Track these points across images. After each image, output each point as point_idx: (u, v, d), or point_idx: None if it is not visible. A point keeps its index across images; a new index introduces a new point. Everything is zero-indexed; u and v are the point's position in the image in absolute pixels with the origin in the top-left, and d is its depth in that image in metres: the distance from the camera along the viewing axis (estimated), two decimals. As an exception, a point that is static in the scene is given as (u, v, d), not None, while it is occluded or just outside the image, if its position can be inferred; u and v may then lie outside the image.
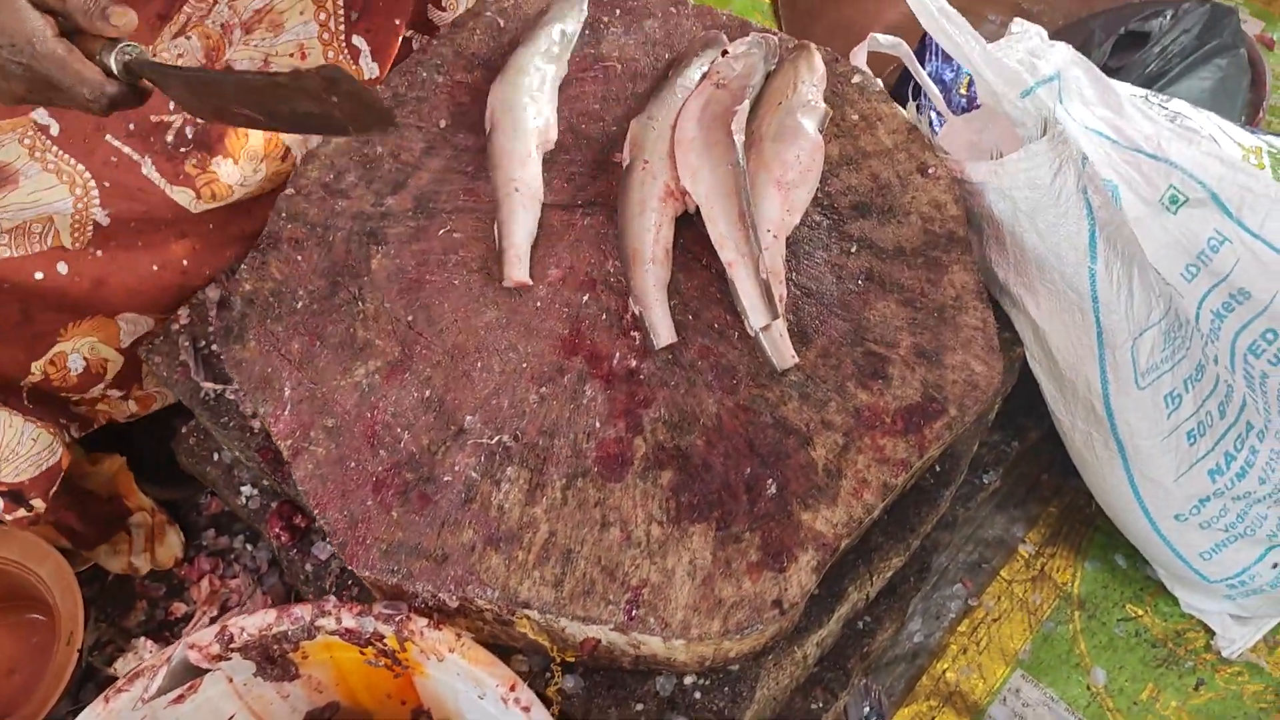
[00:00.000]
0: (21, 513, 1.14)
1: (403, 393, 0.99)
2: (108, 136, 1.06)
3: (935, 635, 1.32)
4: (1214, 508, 1.21)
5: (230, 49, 1.17)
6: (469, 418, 0.97)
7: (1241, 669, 1.29)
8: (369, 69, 1.22)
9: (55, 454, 1.15)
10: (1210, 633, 1.31)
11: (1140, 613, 1.33)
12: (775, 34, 1.16)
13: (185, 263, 1.18)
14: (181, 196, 1.11)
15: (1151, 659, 1.30)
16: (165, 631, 1.36)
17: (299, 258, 1.06)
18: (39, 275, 1.06)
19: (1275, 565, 1.25)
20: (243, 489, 1.26)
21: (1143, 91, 1.40)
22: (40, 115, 1.03)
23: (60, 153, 1.04)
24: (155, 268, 1.16)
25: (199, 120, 1.10)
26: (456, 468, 0.95)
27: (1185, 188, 1.24)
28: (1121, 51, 1.61)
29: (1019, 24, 1.31)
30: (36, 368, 1.11)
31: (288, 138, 1.19)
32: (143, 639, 1.32)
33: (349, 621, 0.94)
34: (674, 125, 1.05)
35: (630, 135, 1.06)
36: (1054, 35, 1.67)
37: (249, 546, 1.42)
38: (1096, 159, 1.24)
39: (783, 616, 0.90)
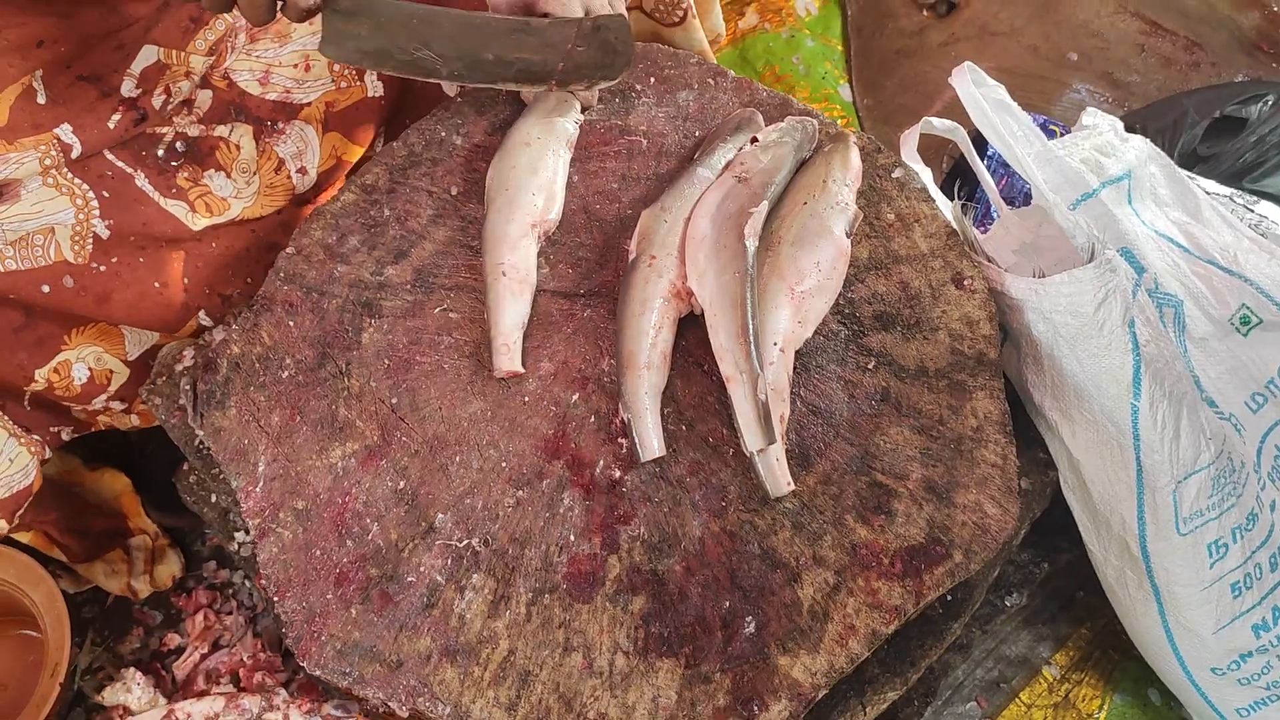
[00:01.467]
0: None
1: (377, 481, 0.95)
2: (105, 152, 1.06)
3: (942, 758, 1.24)
4: (1256, 664, 1.10)
5: (231, 56, 1.14)
6: (441, 515, 0.93)
7: (1274, 833, 1.18)
8: (373, 87, 1.20)
9: (28, 478, 1.14)
10: (1244, 789, 1.21)
11: (1169, 758, 1.23)
12: (816, 118, 1.08)
13: (186, 281, 1.16)
14: (177, 209, 1.09)
15: (1177, 811, 1.20)
16: (156, 663, 1.35)
17: (291, 323, 1.03)
18: (45, 289, 1.06)
19: (1320, 730, 1.14)
20: (237, 534, 1.23)
21: (1228, 191, 1.30)
22: (65, 133, 1.02)
23: (65, 173, 1.04)
24: (157, 285, 1.14)
25: (189, 133, 1.10)
26: (422, 568, 0.91)
27: (1259, 308, 1.14)
28: (1215, 137, 1.49)
29: (1091, 115, 1.22)
30: (40, 375, 1.11)
31: (281, 149, 1.16)
32: (132, 670, 1.31)
33: (296, 719, 0.90)
34: (687, 219, 0.99)
35: (640, 227, 1.00)
36: (1144, 111, 1.57)
37: (247, 583, 1.40)
38: (1163, 270, 1.15)
39: (745, 770, 0.84)
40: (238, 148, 1.11)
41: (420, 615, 0.89)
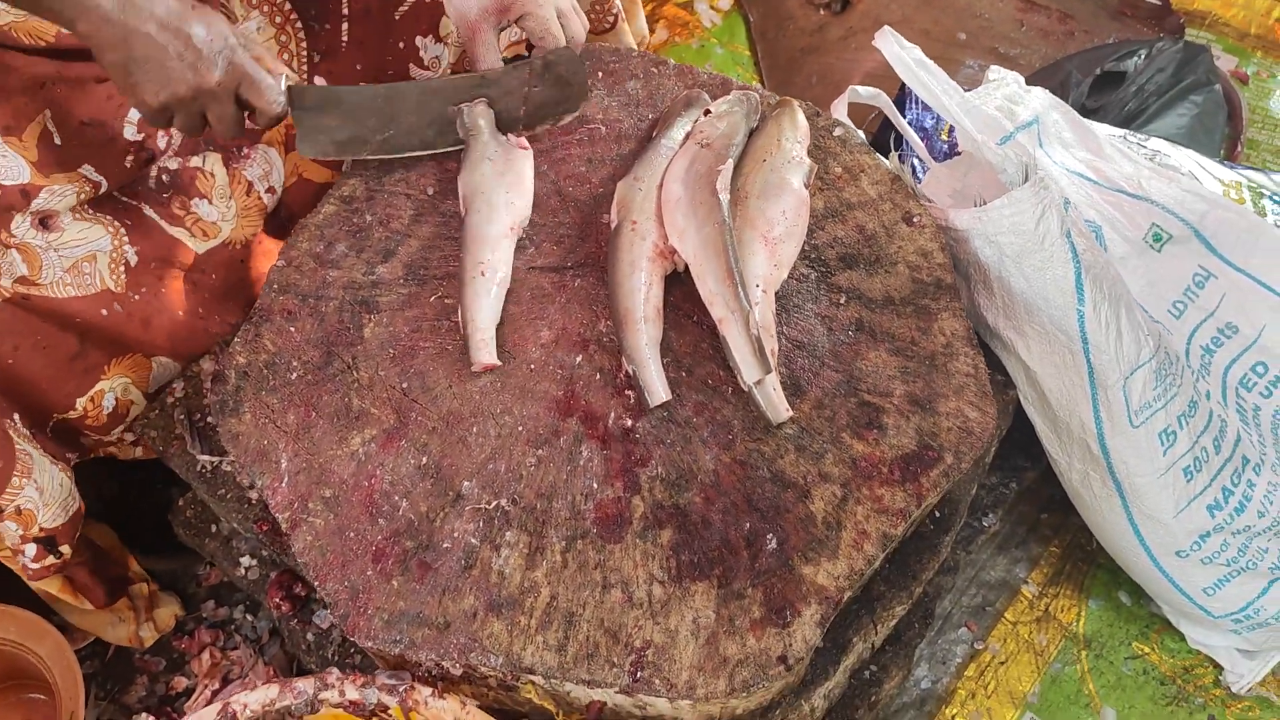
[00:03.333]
0: (50, 560, 1.15)
1: (399, 460, 0.99)
2: (114, 191, 1.11)
3: (943, 681, 1.31)
4: (1215, 542, 1.21)
5: None
6: (466, 483, 0.97)
7: (1252, 704, 1.28)
8: None
9: (76, 499, 1.17)
10: (1219, 668, 1.30)
11: (1147, 650, 1.33)
12: (757, 91, 1.18)
13: (200, 310, 1.21)
14: (181, 235, 1.15)
15: (1161, 697, 1.29)
16: (167, 706, 1.35)
17: (292, 329, 1.07)
18: (104, 312, 1.11)
19: None
20: (242, 560, 1.26)
21: (1121, 131, 1.43)
22: (90, 172, 1.08)
23: (89, 209, 1.10)
24: (181, 313, 1.20)
25: (170, 167, 1.15)
26: (455, 534, 0.95)
27: (1168, 225, 1.26)
28: (1098, 92, 1.63)
29: (996, 71, 1.33)
30: (80, 404, 1.14)
31: (248, 173, 1.21)
32: (144, 715, 1.31)
33: (352, 694, 0.93)
34: (660, 185, 1.06)
35: (617, 197, 1.07)
36: (1031, 78, 1.70)
37: (249, 616, 1.41)
38: (1079, 201, 1.26)
39: (789, 672, 0.90)
40: (212, 175, 1.17)
41: (460, 577, 0.93)
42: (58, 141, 1.06)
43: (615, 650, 0.90)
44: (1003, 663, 1.33)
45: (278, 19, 1.18)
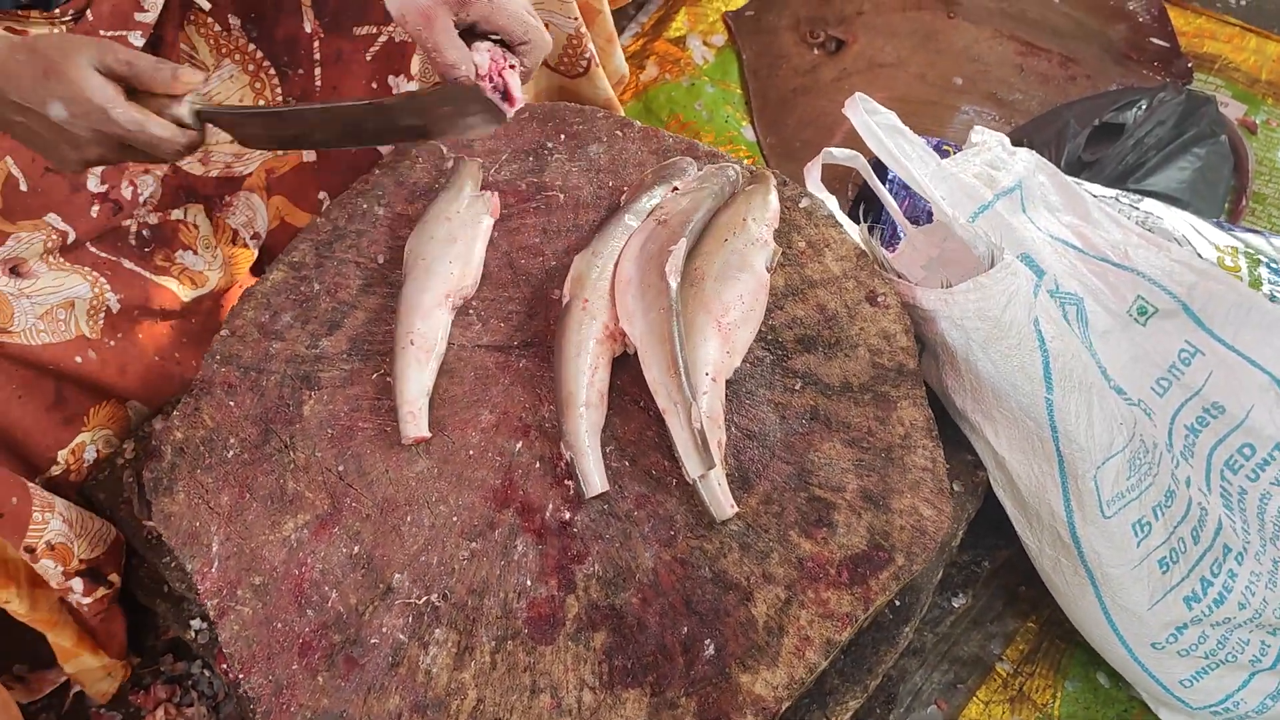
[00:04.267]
0: (101, 591, 1.14)
1: (331, 548, 0.96)
2: (88, 245, 1.09)
3: (911, 762, 1.28)
4: (1192, 635, 1.16)
5: None
6: (397, 575, 0.94)
7: (1231, 797, 1.23)
8: (308, 153, 1.24)
9: (112, 530, 1.15)
10: (1198, 758, 1.26)
11: (1124, 736, 1.28)
12: (737, 164, 1.13)
13: (177, 355, 1.20)
14: (169, 284, 1.14)
15: (1137, 787, 1.24)
16: (120, 764, 1.34)
17: (231, 403, 1.04)
18: (78, 359, 1.08)
19: (1261, 691, 1.20)
20: (192, 623, 1.24)
21: (1113, 192, 1.38)
22: (57, 221, 1.05)
23: (60, 259, 1.07)
24: (156, 358, 1.18)
25: (150, 221, 1.14)
26: (384, 629, 0.92)
27: (1154, 298, 1.21)
28: (1096, 143, 1.58)
29: (979, 133, 1.29)
30: (61, 457, 1.13)
31: (232, 220, 1.19)
32: (96, 773, 1.30)
33: (273, 793, 0.91)
34: (616, 263, 1.03)
35: (573, 272, 1.04)
36: (1027, 125, 1.66)
37: (207, 672, 1.39)
38: (1061, 270, 1.21)
39: (719, 789, 0.86)
40: (196, 226, 1.16)
41: (387, 675, 0.91)
42: (23, 188, 1.04)
43: (541, 759, 0.87)
44: (973, 745, 1.28)
45: (250, 66, 1.16)
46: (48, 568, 1.08)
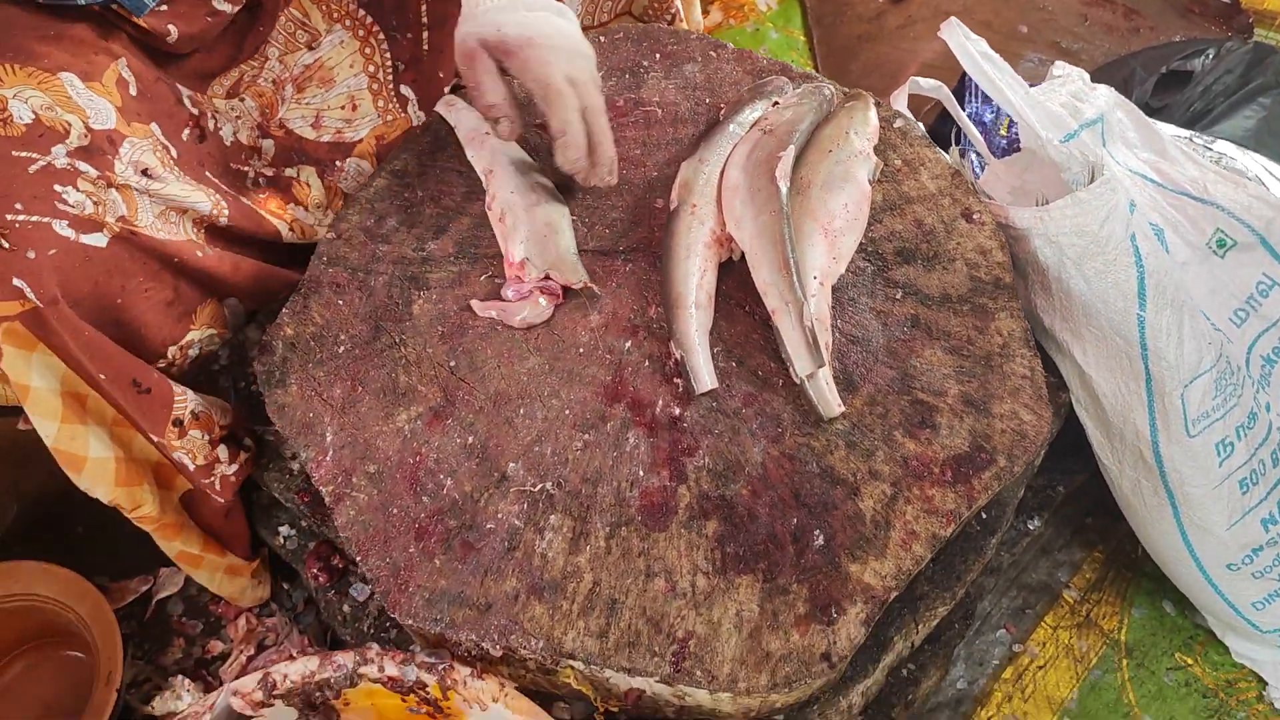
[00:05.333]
0: (243, 455, 1.16)
1: (445, 439, 0.98)
2: (206, 172, 1.10)
3: (979, 683, 1.30)
4: (1268, 556, 1.18)
5: (283, 107, 1.19)
6: (512, 465, 0.96)
7: (1295, 721, 1.26)
8: (416, 117, 1.24)
9: (226, 403, 1.17)
10: (1263, 683, 1.28)
11: (1190, 661, 1.30)
12: (831, 86, 1.15)
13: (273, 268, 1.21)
14: (279, 225, 1.15)
15: (1203, 709, 1.27)
16: (202, 670, 1.36)
17: (340, 302, 1.06)
18: (199, 253, 1.09)
19: (1329, 616, 1.22)
20: (280, 529, 1.26)
21: (1186, 133, 1.39)
22: (158, 132, 1.05)
23: (182, 173, 1.07)
24: (262, 260, 1.18)
25: (266, 173, 1.16)
26: (499, 515, 0.95)
27: (1232, 231, 1.23)
28: (1163, 91, 1.60)
29: (1061, 67, 1.31)
30: (170, 353, 1.12)
31: (344, 184, 1.21)
32: (180, 677, 1.32)
33: (392, 670, 0.93)
34: (722, 171, 1.05)
35: (680, 178, 1.06)
36: (1094, 74, 1.66)
37: (285, 585, 1.41)
38: (1142, 203, 1.23)
39: (831, 670, 0.88)
40: (308, 185, 1.17)
41: (503, 558, 0.93)
42: (133, 92, 1.05)
43: (657, 639, 0.89)
44: (1041, 667, 1.31)
45: (360, 32, 1.17)
46: (195, 439, 1.09)
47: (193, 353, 1.16)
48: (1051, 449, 1.25)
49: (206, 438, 1.10)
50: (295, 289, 1.09)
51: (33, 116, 0.98)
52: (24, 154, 0.97)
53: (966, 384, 1.00)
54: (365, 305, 1.06)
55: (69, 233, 0.96)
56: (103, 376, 0.99)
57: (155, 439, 1.06)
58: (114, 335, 1.05)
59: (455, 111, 1.15)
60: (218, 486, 1.14)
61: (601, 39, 1.22)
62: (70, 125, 0.99)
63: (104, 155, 1.01)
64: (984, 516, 1.13)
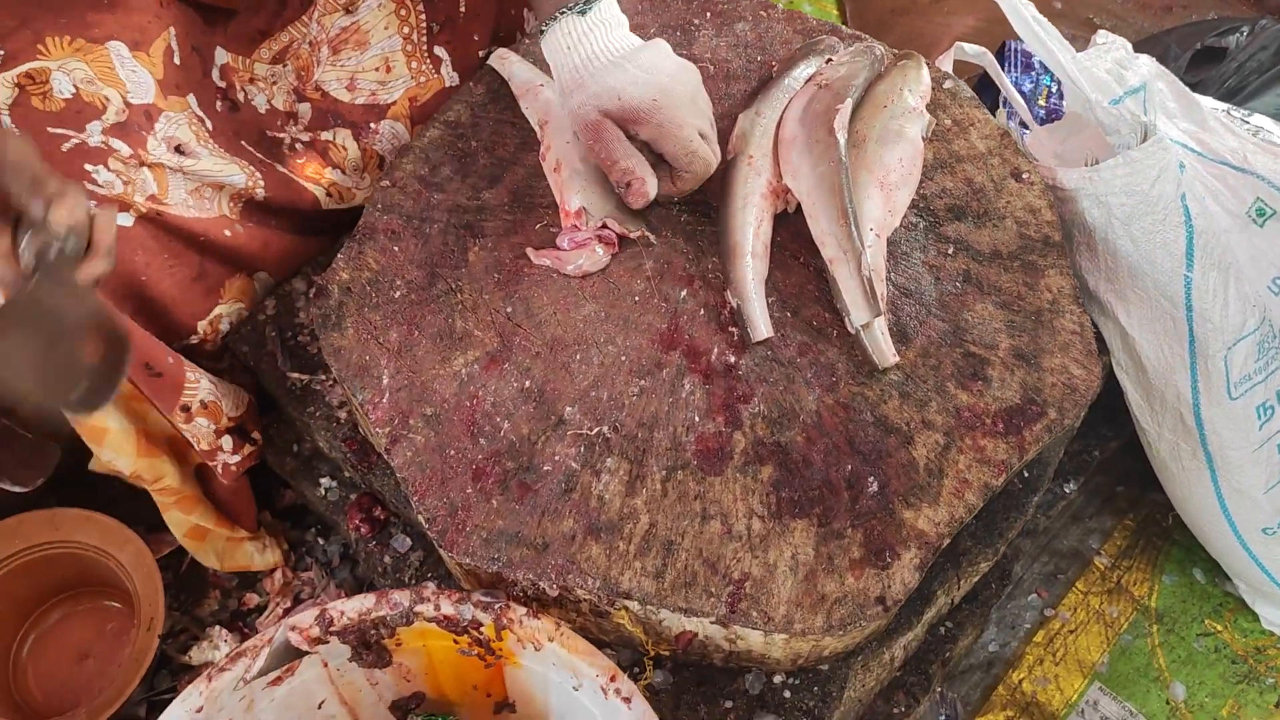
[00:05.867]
0: (248, 448, 1.18)
1: (502, 383, 0.99)
2: (242, 142, 1.11)
3: (1011, 645, 1.31)
4: (1303, 522, 1.19)
5: (319, 69, 1.19)
6: (569, 409, 0.97)
7: (1323, 687, 1.28)
8: (449, 78, 1.25)
9: (244, 392, 1.19)
10: (1291, 650, 1.30)
11: (1220, 628, 1.32)
12: (881, 46, 1.16)
13: (310, 238, 1.24)
14: (317, 191, 1.17)
15: (1232, 675, 1.28)
16: (238, 621, 1.37)
17: (395, 248, 1.07)
18: (227, 233, 1.10)
19: (1361, 582, 1.24)
20: (321, 480, 1.27)
21: (1224, 106, 1.40)
22: (194, 104, 1.06)
23: (217, 146, 1.08)
24: (294, 235, 1.21)
25: (302, 138, 1.17)
26: (556, 458, 0.95)
27: (1272, 201, 1.24)
28: (1197, 68, 1.61)
29: (1104, 35, 1.32)
30: (200, 327, 1.15)
31: (379, 147, 1.21)
32: (218, 628, 1.33)
33: (447, 609, 0.94)
34: (779, 123, 1.05)
35: (737, 129, 1.06)
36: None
37: (320, 540, 1.42)
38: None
39: (885, 614, 0.90)
40: (344, 148, 1.18)
41: (560, 500, 0.94)
42: (177, 61, 1.06)
43: (713, 580, 0.90)
44: (1072, 631, 1.32)
45: None
46: (200, 426, 1.11)
47: (224, 327, 1.17)
48: (1088, 414, 1.26)
49: (212, 427, 1.12)
50: (350, 235, 1.09)
51: (73, 91, 0.98)
52: (59, 131, 0.98)
53: (1017, 338, 1.01)
54: (421, 252, 1.07)
55: None
56: None
57: (166, 415, 1.08)
58: (140, 311, 1.07)
59: (508, 64, 1.15)
60: (219, 471, 1.16)
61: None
62: (109, 101, 1.00)
63: (139, 132, 1.02)
64: (1025, 475, 1.14)
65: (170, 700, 0.92)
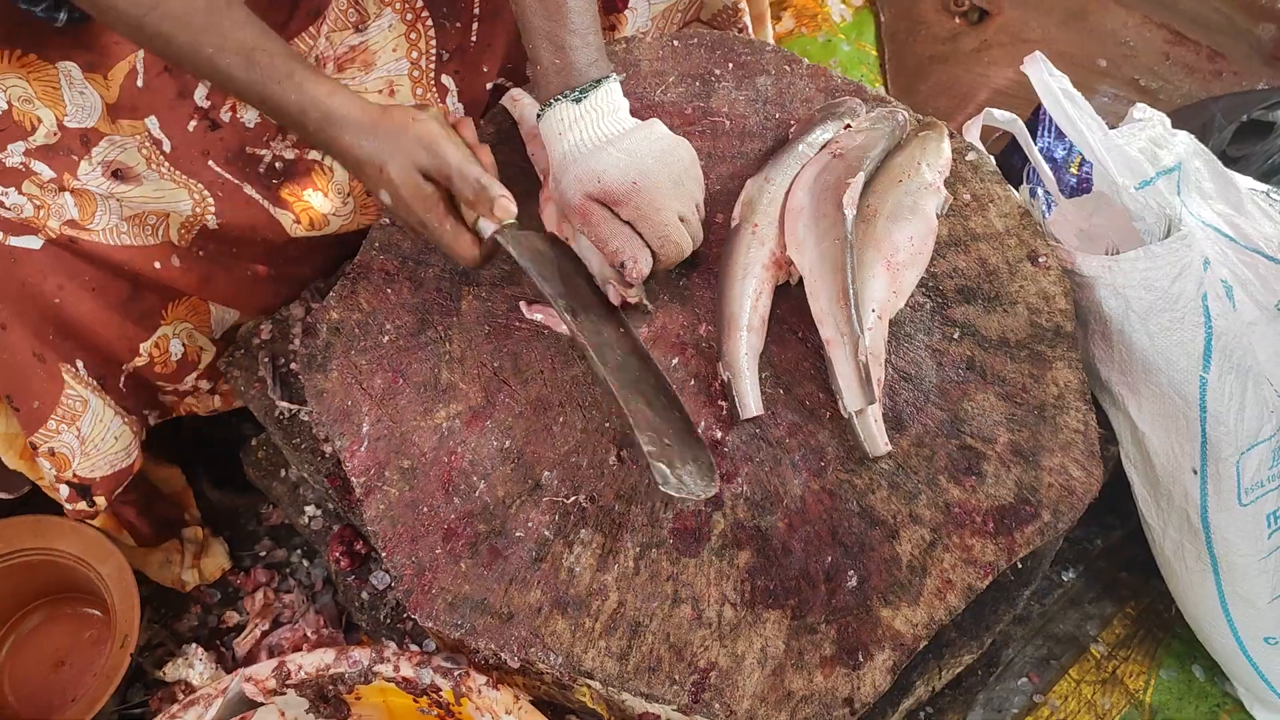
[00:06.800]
0: (82, 506, 1.15)
1: (482, 440, 0.97)
2: (210, 162, 1.08)
3: (996, 731, 1.28)
4: (1307, 634, 1.15)
5: None
6: (547, 473, 0.95)
7: (1318, 803, 1.23)
8: (455, 108, 1.22)
9: (130, 457, 1.16)
10: (1288, 760, 1.25)
11: (1215, 731, 1.27)
12: (905, 110, 1.12)
13: (273, 271, 1.20)
14: (283, 219, 1.13)
15: (1224, 782, 1.24)
16: (216, 640, 1.36)
17: (389, 290, 1.05)
18: (157, 265, 1.09)
19: (1366, 700, 1.19)
20: (306, 508, 1.26)
21: (1264, 187, 1.35)
22: (154, 127, 1.04)
23: (172, 169, 1.06)
24: (249, 272, 1.18)
25: (286, 156, 1.13)
26: (530, 524, 0.93)
27: (1305, 295, 1.19)
28: (1242, 140, 1.55)
29: (1141, 110, 1.27)
30: (144, 349, 1.13)
31: None
32: (194, 646, 1.32)
33: (407, 671, 0.92)
34: (788, 192, 1.02)
35: (744, 196, 1.03)
36: (1172, 116, 1.62)
37: (305, 562, 1.41)
38: (1213, 257, 1.20)
39: (852, 716, 0.86)
40: (331, 170, 1.15)
41: (530, 569, 0.91)
42: (140, 84, 1.04)
43: (678, 667, 0.87)
44: (1061, 720, 1.28)
45: (409, 16, 1.15)
46: (44, 466, 1.11)
47: (174, 348, 1.15)
48: (1093, 502, 1.22)
49: (54, 473, 1.10)
50: (344, 273, 1.07)
51: (4, 108, 0.97)
52: None
53: (1017, 433, 0.97)
54: (413, 296, 1.05)
55: None
56: None
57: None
58: (64, 335, 1.05)
59: (519, 106, 1.13)
60: (60, 499, 1.15)
61: (675, 43, 1.20)
62: (40, 121, 0.99)
63: (69, 156, 1.01)
64: (1019, 566, 1.10)
65: (141, 716, 0.91)
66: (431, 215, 0.94)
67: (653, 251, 0.95)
